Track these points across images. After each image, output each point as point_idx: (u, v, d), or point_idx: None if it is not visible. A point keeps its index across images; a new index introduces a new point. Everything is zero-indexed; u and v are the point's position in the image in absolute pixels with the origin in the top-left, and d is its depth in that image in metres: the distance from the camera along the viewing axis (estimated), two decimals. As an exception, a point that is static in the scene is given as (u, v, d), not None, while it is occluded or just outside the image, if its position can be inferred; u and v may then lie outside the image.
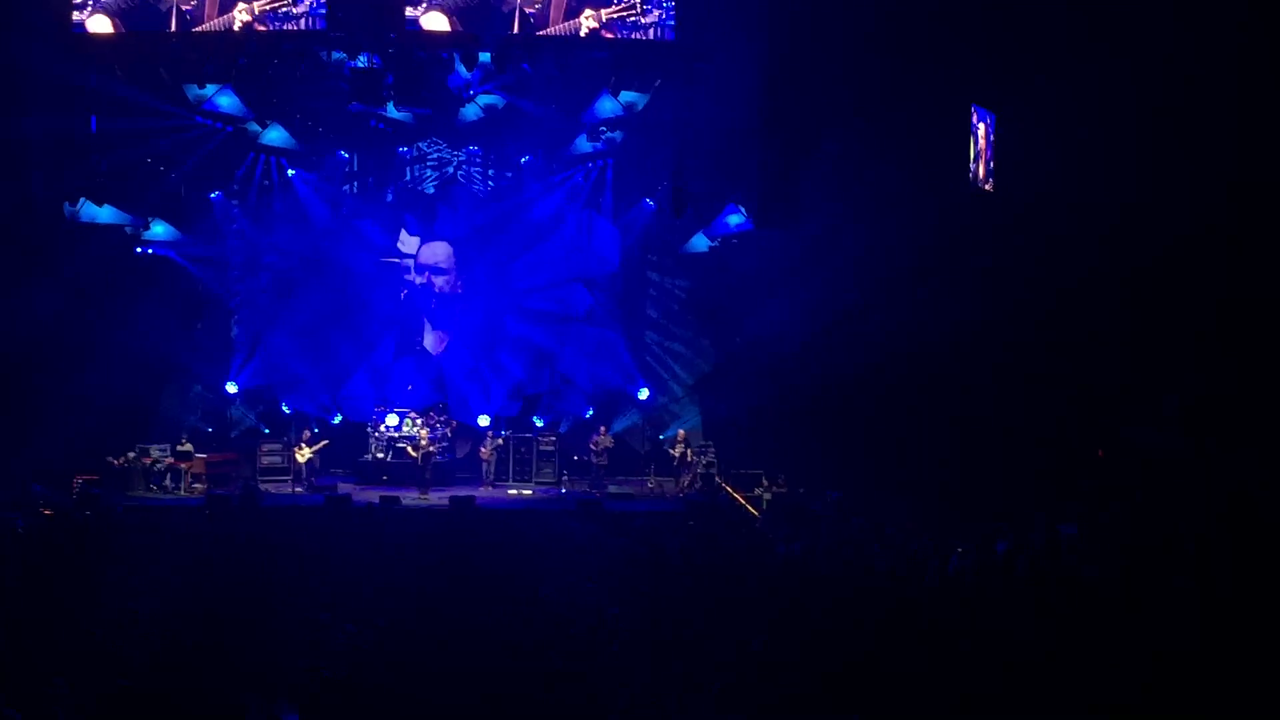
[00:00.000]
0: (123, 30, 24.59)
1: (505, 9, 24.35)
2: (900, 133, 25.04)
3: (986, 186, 25.98)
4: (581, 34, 24.34)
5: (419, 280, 29.38)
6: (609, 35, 24.46)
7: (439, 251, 29.40)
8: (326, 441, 27.67)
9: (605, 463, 27.55)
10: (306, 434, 27.59)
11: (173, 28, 24.50)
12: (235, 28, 24.33)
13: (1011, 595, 15.35)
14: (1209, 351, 22.10)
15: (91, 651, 12.87)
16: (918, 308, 24.85)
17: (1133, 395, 23.37)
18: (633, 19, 24.44)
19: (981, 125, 26.00)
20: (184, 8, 24.40)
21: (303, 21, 24.43)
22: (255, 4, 24.23)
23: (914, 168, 25.17)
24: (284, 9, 24.29)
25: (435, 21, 24.32)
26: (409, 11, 24.33)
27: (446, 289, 29.37)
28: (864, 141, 25.48)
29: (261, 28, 24.34)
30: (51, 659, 12.26)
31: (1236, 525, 17.80)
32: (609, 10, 24.32)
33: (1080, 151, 23.29)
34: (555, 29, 24.36)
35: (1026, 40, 23.82)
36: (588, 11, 24.32)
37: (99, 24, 24.49)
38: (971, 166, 25.98)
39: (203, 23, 24.41)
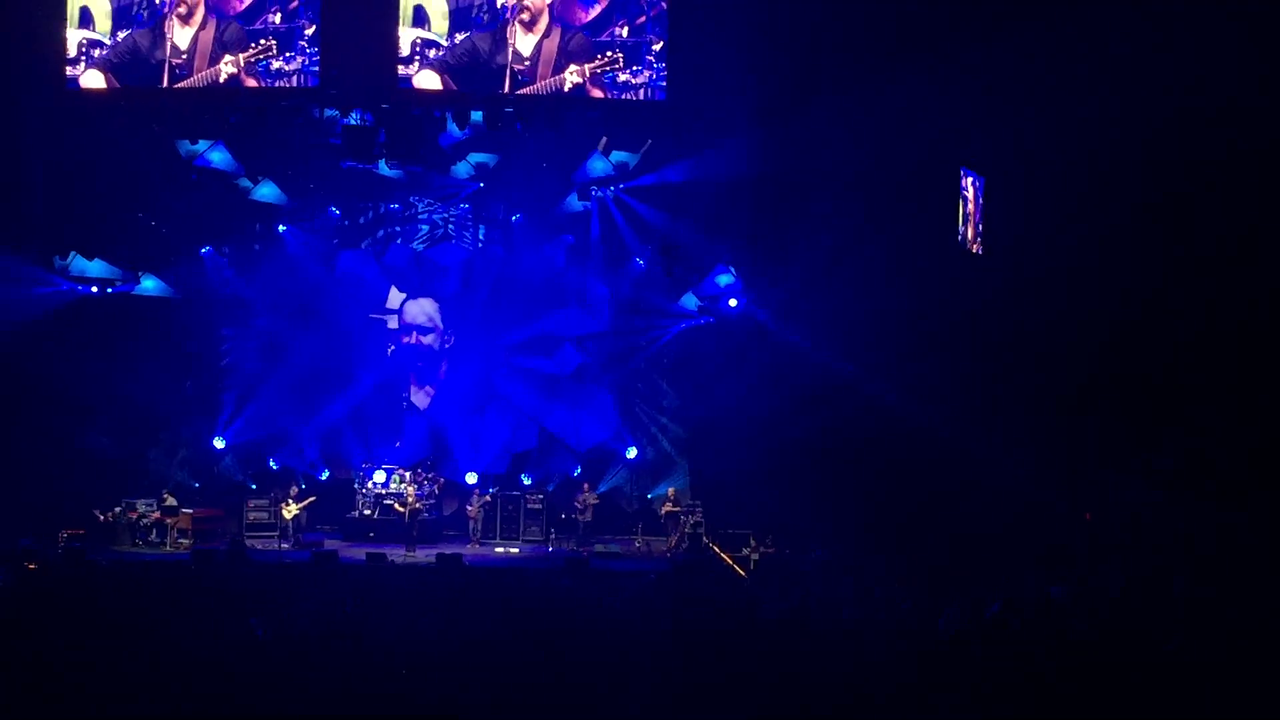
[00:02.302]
0: (116, 85, 24.72)
1: (495, 66, 24.51)
2: (890, 195, 25.19)
3: (975, 248, 26.12)
4: (565, 89, 24.46)
5: (407, 339, 29.44)
6: (598, 93, 24.59)
7: (425, 308, 29.46)
8: (314, 498, 27.60)
9: (590, 520, 27.50)
10: (294, 490, 27.54)
11: (165, 82, 24.65)
12: (221, 79, 24.45)
13: (1003, 656, 15.29)
14: (1196, 412, 22.20)
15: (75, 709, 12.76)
16: (907, 368, 24.91)
17: (1120, 456, 23.45)
18: (623, 79, 24.57)
19: (971, 188, 26.17)
20: (174, 62, 24.53)
21: (295, 78, 24.54)
22: (241, 55, 24.36)
23: (903, 230, 25.31)
24: (271, 60, 24.40)
25: (427, 80, 24.48)
26: (401, 70, 24.48)
27: (434, 345, 29.40)
28: (854, 203, 25.60)
29: (251, 80, 24.46)
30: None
31: (1224, 584, 17.80)
32: (592, 64, 24.46)
33: (1068, 215, 23.48)
34: (542, 84, 24.50)
35: (1016, 104, 24.03)
36: (572, 67, 24.48)
37: (92, 79, 24.61)
38: (960, 229, 26.13)
39: (192, 75, 24.55)
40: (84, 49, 24.63)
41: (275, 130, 26.39)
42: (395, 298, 29.50)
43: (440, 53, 24.46)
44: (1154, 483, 23.15)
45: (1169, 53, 21.91)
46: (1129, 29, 22.47)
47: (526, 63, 24.48)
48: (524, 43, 24.51)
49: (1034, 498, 23.97)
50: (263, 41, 24.34)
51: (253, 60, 24.31)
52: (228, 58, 24.42)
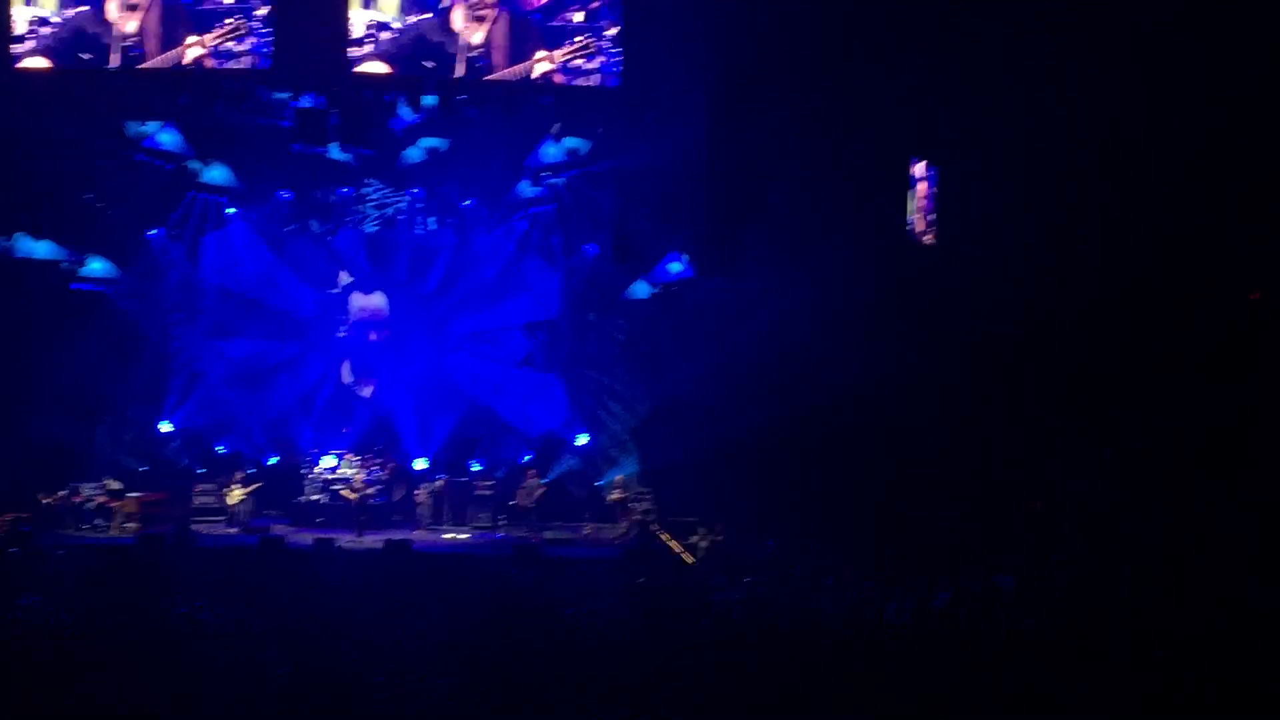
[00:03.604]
0: (58, 67, 24.43)
1: (446, 52, 24.40)
2: (842, 183, 25.25)
3: (926, 238, 26.22)
4: (534, 75, 24.40)
5: (341, 333, 29.29)
6: (560, 79, 24.54)
7: (374, 302, 29.35)
8: (259, 484, 27.42)
9: (536, 506, 27.46)
10: (239, 475, 27.33)
11: (115, 63, 24.40)
12: (185, 61, 24.23)
13: (950, 645, 15.37)
14: (1148, 403, 22.37)
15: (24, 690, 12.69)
16: (857, 357, 24.98)
17: (1070, 446, 23.60)
18: (576, 64, 24.54)
19: (922, 177, 26.26)
20: (126, 44, 24.28)
21: (246, 60, 24.37)
22: (206, 37, 24.17)
23: (854, 219, 25.38)
24: (230, 46, 24.24)
25: (379, 66, 24.36)
26: (353, 52, 24.33)
27: (378, 340, 29.31)
28: (806, 192, 25.64)
29: (210, 62, 24.26)
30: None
31: (1175, 574, 17.96)
32: (563, 51, 24.42)
33: (1022, 204, 23.60)
34: (505, 73, 24.42)
35: (968, 93, 24.12)
36: (541, 53, 24.40)
37: (35, 61, 24.32)
38: (911, 218, 26.23)
39: (146, 59, 24.32)
40: (33, 26, 24.32)
41: (226, 112, 26.14)
42: (345, 282, 29.33)
43: (391, 36, 24.33)
44: (1103, 473, 23.30)
45: (1129, 33, 22.03)
46: (1087, 10, 22.58)
47: (480, 49, 24.37)
48: (471, 30, 24.40)
49: (984, 487, 24.08)
50: (229, 22, 24.14)
51: (218, 42, 24.11)
52: (192, 38, 24.20)
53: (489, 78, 24.49)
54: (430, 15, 24.43)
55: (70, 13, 24.29)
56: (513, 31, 24.50)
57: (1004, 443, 24.41)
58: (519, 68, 24.42)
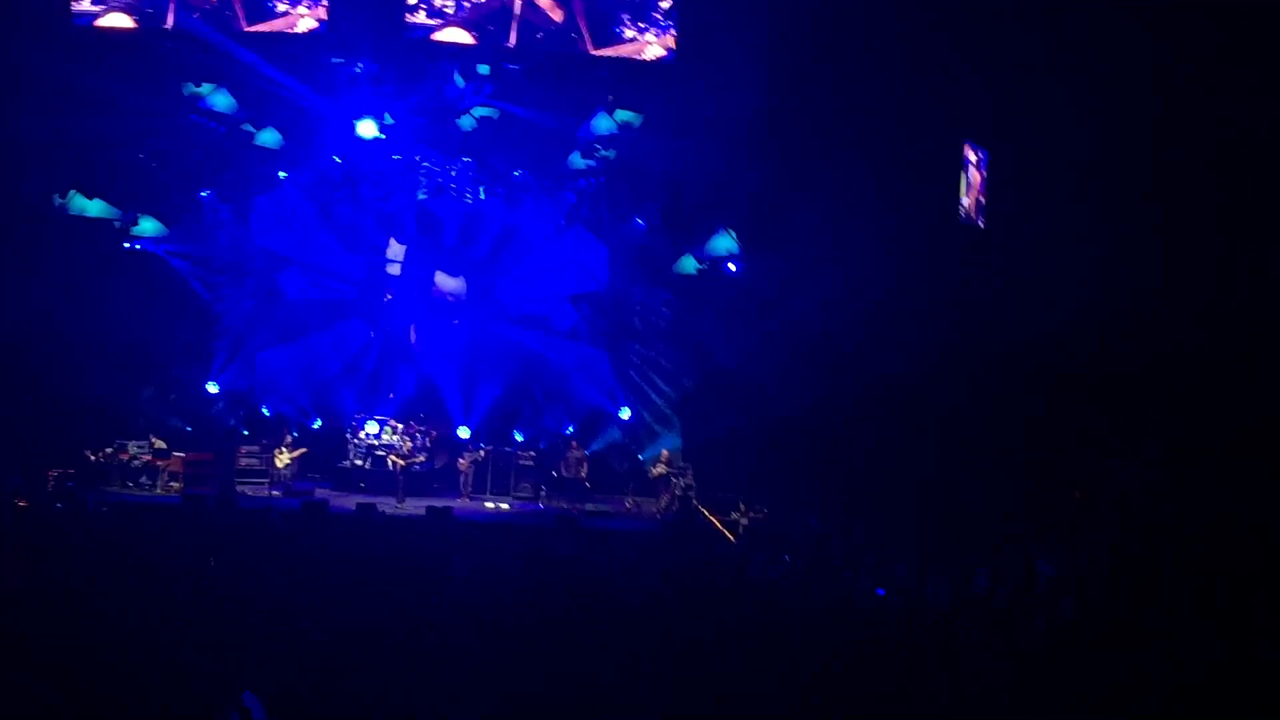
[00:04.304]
0: (135, 25, 24.70)
1: (503, 20, 24.48)
2: (893, 165, 25.14)
3: (978, 222, 26.09)
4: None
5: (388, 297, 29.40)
6: (607, 52, 24.56)
7: (455, 285, 29.52)
8: (305, 450, 27.59)
9: (579, 478, 27.50)
10: (288, 438, 27.52)
11: (169, 24, 24.61)
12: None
13: (989, 627, 15.35)
14: (1192, 392, 22.21)
15: (62, 646, 12.76)
16: (903, 338, 24.91)
17: (1115, 434, 23.47)
18: (629, 36, 24.56)
19: (974, 161, 26.11)
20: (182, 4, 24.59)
21: (302, 25, 24.51)
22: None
23: (905, 200, 25.27)
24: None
25: (454, 35, 24.49)
26: (408, 18, 24.40)
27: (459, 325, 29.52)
28: (857, 172, 25.54)
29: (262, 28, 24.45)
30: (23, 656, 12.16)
31: (1211, 564, 17.84)
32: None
33: (1072, 190, 23.43)
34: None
35: (1022, 78, 23.96)
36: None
37: (116, 19, 24.71)
38: (963, 202, 26.09)
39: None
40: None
41: (280, 76, 26.26)
42: (395, 249, 29.41)
43: (447, 3, 24.38)
44: (1146, 463, 23.17)
45: (1179, 26, 21.85)
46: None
47: (532, 19, 24.46)
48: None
49: (1026, 473, 23.99)
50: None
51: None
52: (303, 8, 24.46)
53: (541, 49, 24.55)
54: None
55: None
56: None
57: (1047, 429, 24.29)
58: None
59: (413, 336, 29.51)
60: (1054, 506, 23.44)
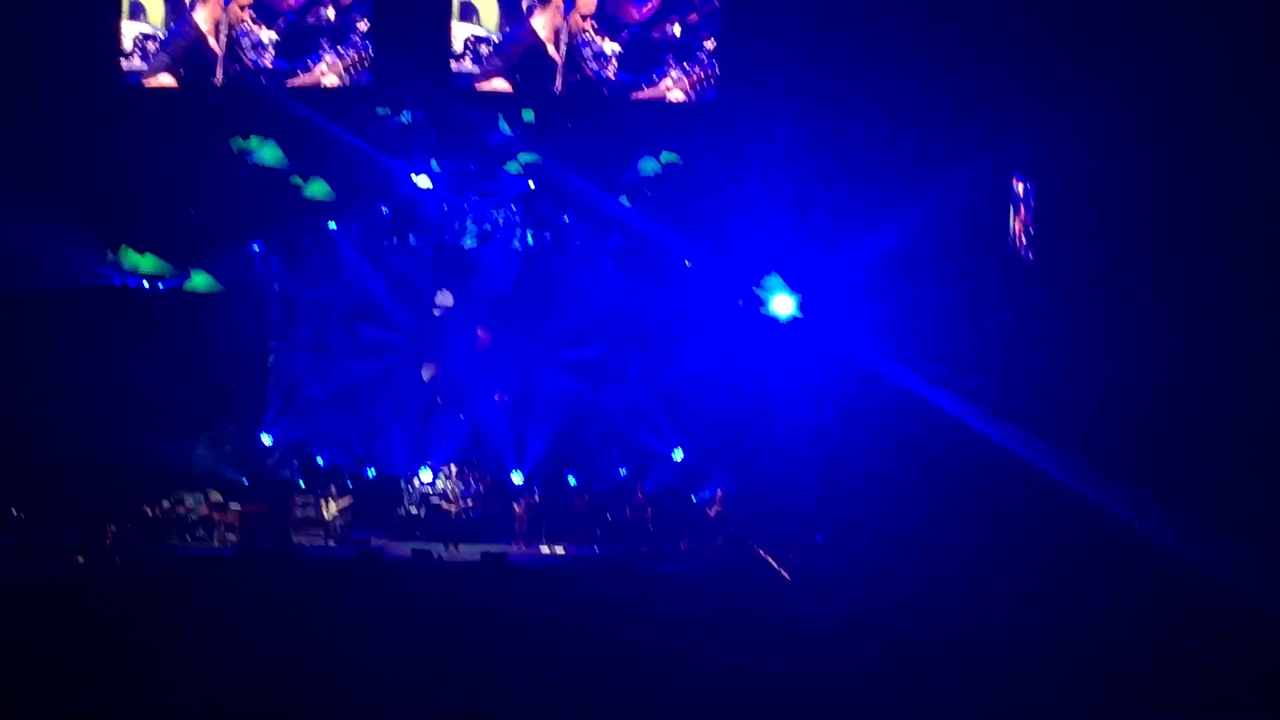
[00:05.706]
0: (178, 85, 24.98)
1: (546, 66, 24.60)
2: (942, 199, 25.06)
3: (1026, 254, 25.96)
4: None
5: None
6: (650, 94, 24.66)
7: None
8: (350, 499, 27.53)
9: (628, 521, 27.39)
10: (334, 488, 27.55)
11: (218, 80, 24.87)
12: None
13: (1054, 665, 15.26)
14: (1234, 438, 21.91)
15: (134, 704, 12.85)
16: (959, 377, 24.77)
17: (1159, 477, 23.19)
18: (674, 77, 24.64)
19: (1023, 196, 26.01)
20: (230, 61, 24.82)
21: (347, 75, 24.70)
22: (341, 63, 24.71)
23: (956, 234, 25.17)
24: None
25: (481, 80, 24.61)
26: (454, 66, 24.58)
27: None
28: (905, 207, 25.47)
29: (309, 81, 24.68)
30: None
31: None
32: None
33: (1118, 223, 23.28)
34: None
35: (1068, 108, 23.85)
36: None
37: (161, 79, 25.08)
38: (1011, 236, 25.98)
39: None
40: (139, 42, 24.84)
41: (327, 127, 26.46)
42: (444, 297, 29.52)
43: (489, 51, 24.54)
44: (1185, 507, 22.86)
45: (1229, 55, 21.68)
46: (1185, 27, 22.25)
47: (576, 65, 24.57)
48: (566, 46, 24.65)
49: (1079, 513, 23.78)
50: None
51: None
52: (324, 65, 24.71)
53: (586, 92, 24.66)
54: (528, 30, 24.61)
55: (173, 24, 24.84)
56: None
57: (1099, 468, 24.06)
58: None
59: (425, 376, 29.58)
60: (1109, 543, 23.22)
